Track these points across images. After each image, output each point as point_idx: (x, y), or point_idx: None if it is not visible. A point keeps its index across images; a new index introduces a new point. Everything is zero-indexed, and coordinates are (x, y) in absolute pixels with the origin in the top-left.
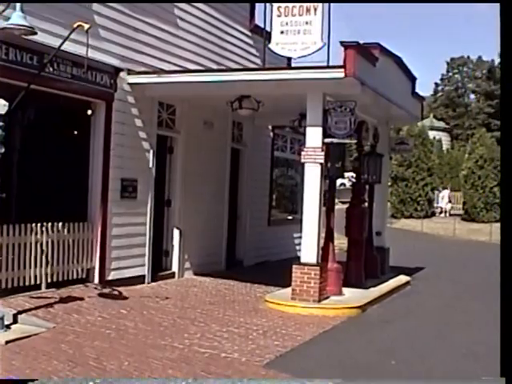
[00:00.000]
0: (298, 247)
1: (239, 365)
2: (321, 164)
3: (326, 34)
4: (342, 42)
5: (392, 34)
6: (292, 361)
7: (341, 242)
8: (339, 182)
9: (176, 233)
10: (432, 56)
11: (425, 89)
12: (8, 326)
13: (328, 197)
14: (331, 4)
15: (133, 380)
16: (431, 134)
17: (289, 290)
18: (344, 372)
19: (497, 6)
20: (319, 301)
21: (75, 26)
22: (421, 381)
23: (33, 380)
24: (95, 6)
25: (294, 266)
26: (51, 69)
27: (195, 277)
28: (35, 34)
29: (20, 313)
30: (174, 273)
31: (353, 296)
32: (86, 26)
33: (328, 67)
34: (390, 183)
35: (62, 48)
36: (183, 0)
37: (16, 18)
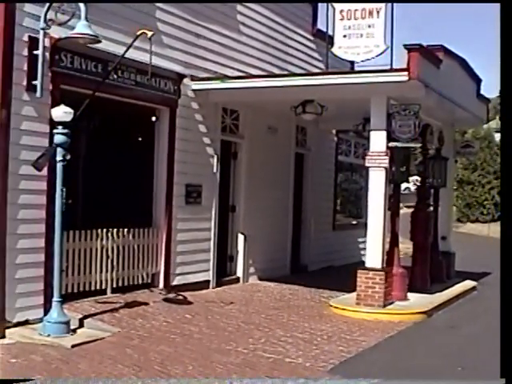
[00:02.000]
0: (362, 252)
1: (303, 370)
2: (385, 168)
3: (388, 37)
4: (405, 45)
5: (456, 35)
6: (357, 366)
7: (406, 246)
8: (404, 186)
9: (240, 238)
10: (498, 57)
11: (490, 90)
12: (74, 331)
13: (393, 201)
14: (394, 6)
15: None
16: (497, 136)
17: (353, 294)
18: (409, 378)
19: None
20: (384, 306)
21: (139, 33)
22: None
23: (32, 379)
24: (158, 13)
25: (358, 271)
26: (115, 76)
27: (260, 282)
28: (99, 42)
29: (86, 317)
30: (238, 278)
31: (418, 301)
32: (150, 33)
33: (391, 70)
34: (455, 187)
35: (126, 55)
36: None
37: (81, 27)
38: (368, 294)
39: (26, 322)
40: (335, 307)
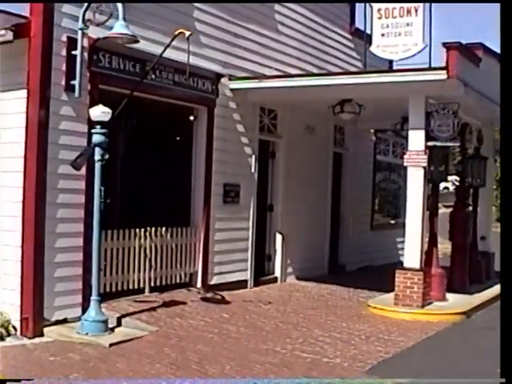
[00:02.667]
0: (400, 252)
1: (341, 370)
2: (424, 167)
3: (427, 35)
4: (444, 43)
5: (495, 33)
6: (394, 367)
7: (445, 246)
8: (442, 185)
9: (278, 237)
10: None
11: None
12: (112, 329)
13: (431, 201)
14: (432, 4)
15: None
16: None
17: (392, 295)
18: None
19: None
20: (422, 306)
21: (176, 33)
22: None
23: (30, 379)
24: (196, 13)
25: (396, 271)
26: (153, 76)
27: (297, 281)
28: (137, 42)
29: (124, 316)
30: (276, 277)
31: (456, 302)
32: (187, 33)
33: (430, 69)
34: (495, 186)
35: (164, 55)
36: (287, 0)
37: (119, 27)
38: (406, 294)
39: (64, 321)
40: (373, 307)
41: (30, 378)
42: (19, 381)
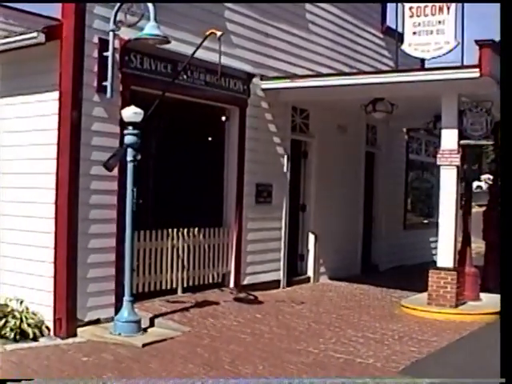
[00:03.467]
0: (434, 251)
1: (374, 370)
2: (457, 166)
3: (459, 33)
4: (476, 41)
5: None
6: (428, 367)
7: (478, 245)
8: (476, 184)
9: (311, 237)
10: None
11: None
12: (145, 330)
13: (464, 200)
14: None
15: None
16: None
17: (425, 294)
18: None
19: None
20: (456, 306)
21: (208, 33)
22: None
23: (30, 379)
24: (227, 13)
25: (430, 271)
26: (185, 76)
27: (330, 281)
28: (169, 42)
29: (156, 316)
30: (309, 277)
31: (490, 301)
32: (219, 33)
33: (463, 67)
34: None
35: (195, 55)
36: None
37: (150, 28)
38: (440, 293)
39: (97, 321)
40: (406, 307)
41: (30, 378)
42: (19, 381)
